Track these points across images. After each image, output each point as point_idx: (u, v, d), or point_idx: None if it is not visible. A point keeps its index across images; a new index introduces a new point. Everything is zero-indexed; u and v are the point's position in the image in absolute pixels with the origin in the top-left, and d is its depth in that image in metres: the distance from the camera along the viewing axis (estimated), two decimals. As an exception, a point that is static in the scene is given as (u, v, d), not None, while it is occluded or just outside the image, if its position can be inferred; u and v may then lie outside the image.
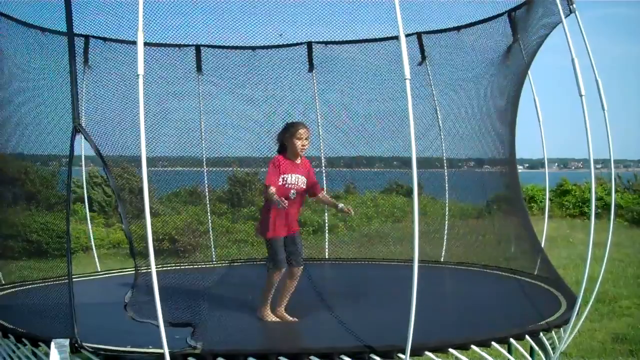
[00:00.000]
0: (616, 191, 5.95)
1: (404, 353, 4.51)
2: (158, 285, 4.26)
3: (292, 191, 6.22)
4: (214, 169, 10.84)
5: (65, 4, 5.10)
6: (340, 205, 6.44)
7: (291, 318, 6.32)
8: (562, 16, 5.62)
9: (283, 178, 6.20)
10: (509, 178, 8.93)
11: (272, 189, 6.06)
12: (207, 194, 10.56)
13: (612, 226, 6.03)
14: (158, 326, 4.29)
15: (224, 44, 9.67)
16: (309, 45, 9.93)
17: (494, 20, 8.10)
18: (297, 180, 6.27)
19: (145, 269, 4.58)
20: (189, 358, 4.62)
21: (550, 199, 11.80)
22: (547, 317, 5.69)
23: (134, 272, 5.09)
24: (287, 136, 6.30)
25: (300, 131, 6.25)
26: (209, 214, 10.60)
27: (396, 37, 4.49)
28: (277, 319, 6.22)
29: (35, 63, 7.86)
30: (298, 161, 6.34)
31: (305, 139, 6.30)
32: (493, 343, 4.98)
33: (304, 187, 6.37)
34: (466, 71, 9.05)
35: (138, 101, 4.32)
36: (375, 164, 12.08)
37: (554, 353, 5.54)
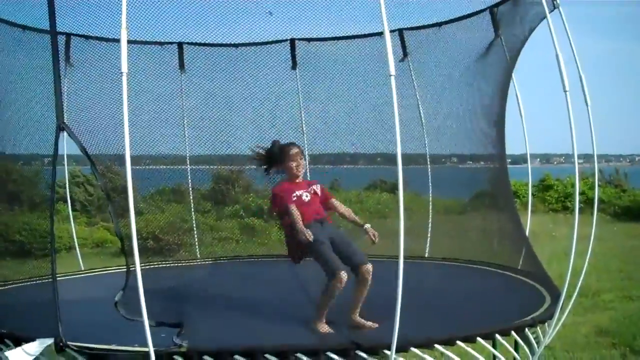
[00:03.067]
0: (598, 186, 6.01)
1: (389, 349, 4.51)
2: (143, 284, 4.25)
3: (304, 193, 5.92)
4: (198, 167, 10.81)
5: (48, 1, 5.07)
6: (367, 225, 6.04)
7: (371, 324, 5.83)
8: (547, 11, 5.64)
9: (295, 196, 5.88)
10: (496, 173, 8.96)
11: (294, 210, 5.69)
12: (190, 191, 10.52)
13: (595, 220, 6.07)
14: (151, 325, 4.29)
15: (206, 41, 9.64)
16: (292, 42, 9.90)
17: (476, 16, 8.12)
18: (307, 192, 5.98)
19: (131, 268, 4.56)
20: (174, 356, 4.61)
21: (532, 194, 11.87)
22: (532, 312, 5.71)
23: (118, 270, 5.09)
24: (280, 162, 6.04)
25: (291, 152, 5.97)
26: (192, 212, 10.56)
27: (379, 34, 4.48)
28: (331, 330, 5.66)
29: (17, 61, 7.80)
30: (298, 180, 6.03)
31: (300, 157, 6.01)
32: (479, 339, 5.00)
33: (319, 192, 6.07)
34: (448, 67, 9.08)
35: (120, 99, 4.28)
36: (359, 161, 12.09)
37: (538, 347, 5.57)
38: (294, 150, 6.01)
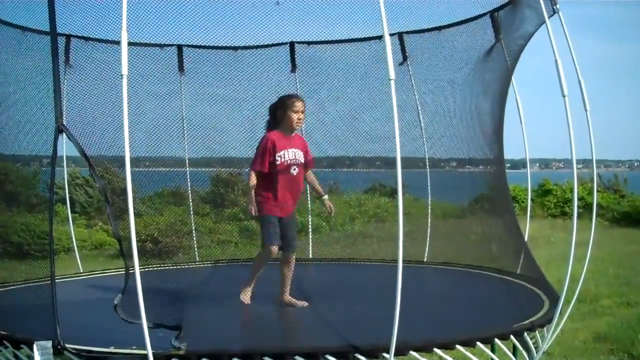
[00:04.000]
0: (597, 191, 6.00)
1: (388, 352, 4.51)
2: (142, 286, 4.24)
3: (292, 167, 6.12)
4: (197, 169, 10.81)
5: (48, 2, 5.06)
6: (326, 197, 6.42)
7: (301, 303, 6.33)
8: (546, 17, 5.63)
9: (280, 156, 6.07)
10: (494, 177, 8.95)
11: (254, 181, 6.05)
12: (190, 194, 10.51)
13: (593, 225, 6.06)
14: (149, 327, 4.28)
15: (206, 43, 9.63)
16: (292, 45, 9.90)
17: (477, 20, 8.12)
18: (294, 154, 6.16)
19: (130, 270, 4.55)
20: (172, 359, 4.60)
21: (531, 199, 11.87)
22: (530, 317, 5.71)
23: (118, 273, 5.08)
24: (281, 109, 6.17)
25: (296, 104, 6.13)
26: (191, 214, 10.55)
27: (379, 37, 4.49)
28: (248, 301, 6.36)
29: (16, 62, 7.79)
30: (292, 135, 6.24)
31: (302, 112, 6.16)
32: (478, 343, 5.00)
33: (303, 161, 6.24)
34: (448, 71, 9.06)
35: (120, 101, 4.28)
36: (359, 164, 12.07)
37: (537, 352, 5.56)
38: (299, 102, 6.19)
